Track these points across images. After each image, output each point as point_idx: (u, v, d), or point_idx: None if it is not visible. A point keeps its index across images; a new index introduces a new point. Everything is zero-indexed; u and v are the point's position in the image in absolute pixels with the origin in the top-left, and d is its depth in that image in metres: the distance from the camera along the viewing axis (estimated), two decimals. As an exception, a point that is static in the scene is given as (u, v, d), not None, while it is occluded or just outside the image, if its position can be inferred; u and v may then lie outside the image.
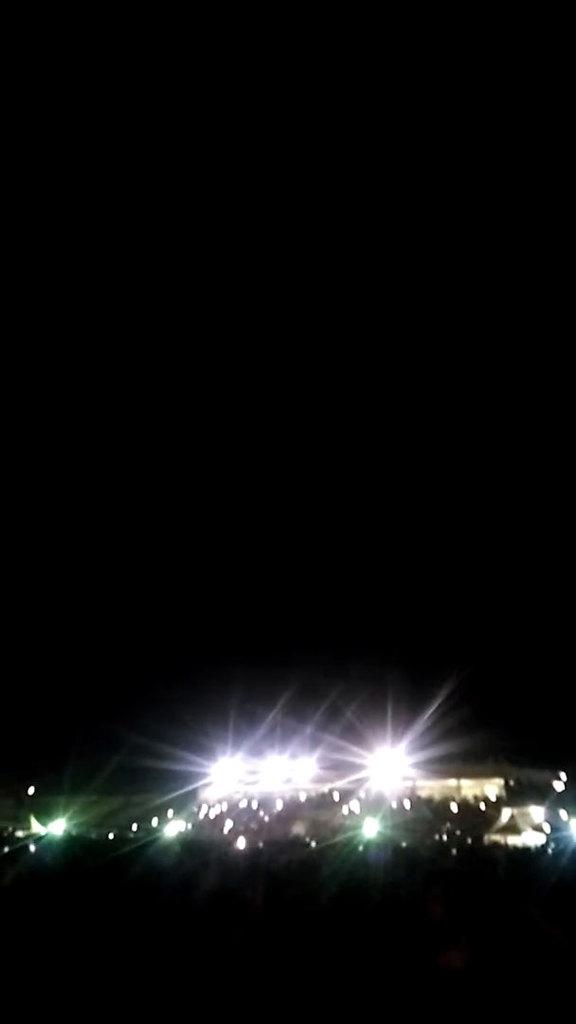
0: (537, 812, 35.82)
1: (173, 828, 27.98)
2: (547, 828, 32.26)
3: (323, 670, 39.52)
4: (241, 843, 20.79)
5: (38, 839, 25.40)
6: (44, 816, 33.86)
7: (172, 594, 47.29)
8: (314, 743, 41.96)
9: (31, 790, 36.82)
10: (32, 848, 20.33)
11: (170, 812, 36.56)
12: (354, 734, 39.04)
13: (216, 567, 49.67)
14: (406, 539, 49.89)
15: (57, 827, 27.81)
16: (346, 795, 40.57)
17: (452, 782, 40.99)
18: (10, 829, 28.94)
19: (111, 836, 25.27)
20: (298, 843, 16.22)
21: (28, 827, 31.44)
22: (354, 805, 39.12)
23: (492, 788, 39.71)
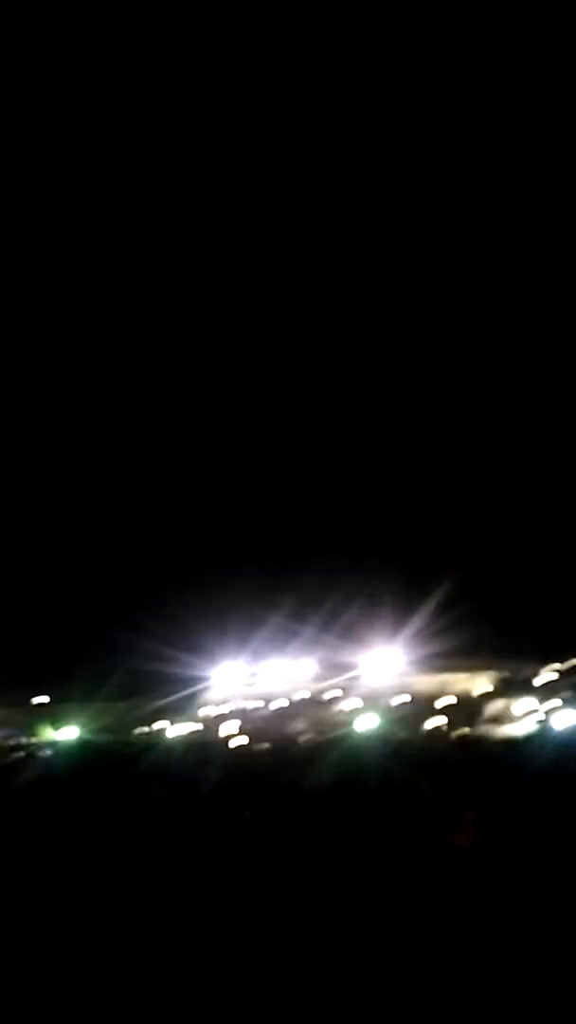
0: (527, 703, 37.24)
1: (177, 730, 29.03)
2: (535, 717, 33.71)
3: (321, 574, 40.13)
4: (243, 740, 21.64)
5: (51, 744, 26.55)
6: (55, 723, 35.09)
7: (174, 499, 47.42)
8: (313, 644, 43.00)
9: (42, 698, 37.91)
10: (46, 752, 21.32)
11: (173, 714, 37.75)
12: (352, 633, 40.02)
13: (216, 471, 49.56)
14: (401, 444, 49.81)
15: (68, 733, 28.95)
16: (344, 692, 41.85)
17: (447, 676, 42.33)
18: (22, 737, 29.94)
19: (118, 739, 26.21)
20: (298, 737, 16.97)
21: (40, 734, 32.59)
22: (351, 701, 40.45)
23: (483, 682, 41.12)
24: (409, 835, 5.93)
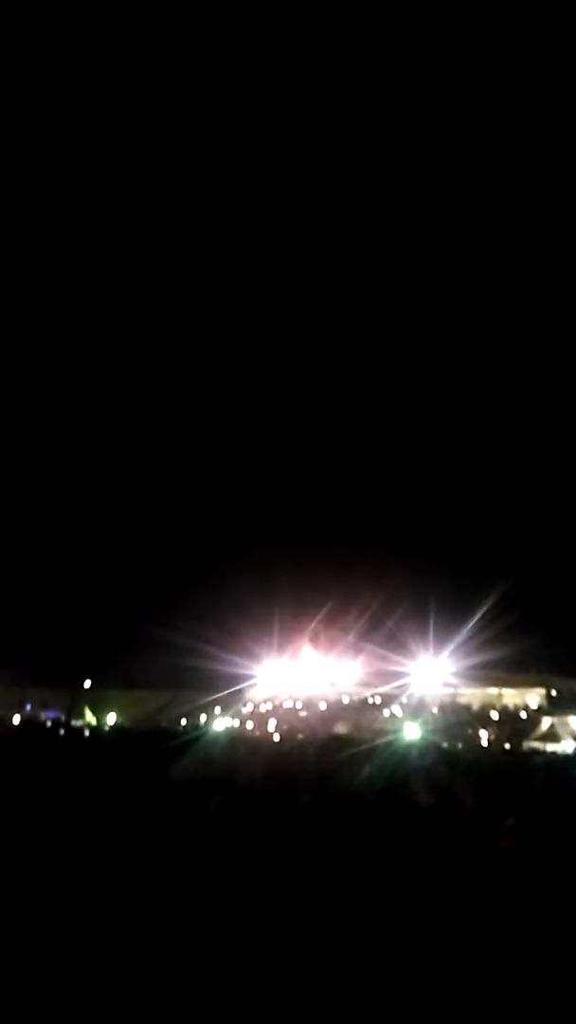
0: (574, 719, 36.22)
1: (220, 724, 29.04)
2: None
3: (367, 576, 39.77)
4: (283, 738, 21.45)
5: (91, 727, 26.86)
6: (98, 709, 35.54)
7: (221, 501, 47.61)
8: (358, 649, 42.65)
9: (86, 684, 38.41)
10: (87, 733, 21.52)
11: (217, 709, 37.86)
12: (397, 641, 39.53)
13: (263, 472, 49.59)
14: (451, 447, 49.09)
15: (110, 719, 29.21)
16: (388, 700, 41.37)
17: (493, 690, 41.49)
18: (65, 718, 30.37)
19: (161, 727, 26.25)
20: (343, 741, 16.66)
21: (83, 718, 33.02)
22: (396, 709, 39.95)
23: (533, 697, 40.17)
24: (448, 838, 5.68)
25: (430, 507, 45.55)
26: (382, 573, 38.53)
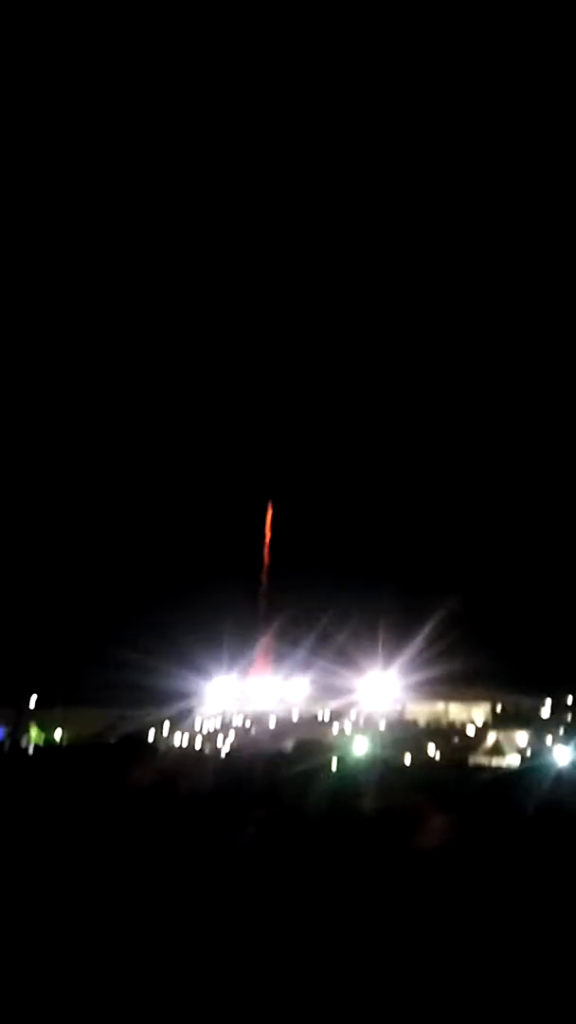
0: (521, 736, 36.92)
1: (172, 740, 28.93)
2: (529, 752, 33.38)
3: (317, 594, 40.08)
4: (234, 753, 21.45)
5: (37, 746, 26.50)
6: (44, 726, 34.97)
7: (169, 515, 47.46)
8: (307, 665, 42.82)
9: (32, 701, 37.82)
10: (31, 752, 21.23)
11: (165, 726, 37.59)
12: (346, 657, 39.87)
13: (214, 488, 49.58)
14: (397, 466, 49.76)
15: (56, 736, 28.77)
16: (337, 715, 41.59)
17: (440, 705, 42.04)
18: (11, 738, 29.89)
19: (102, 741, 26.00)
20: (291, 757, 16.74)
21: (29, 736, 32.48)
22: (345, 725, 40.16)
23: (479, 712, 40.79)
24: (388, 847, 5.88)
25: (378, 525, 46.11)
26: (331, 589, 38.93)
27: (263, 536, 47.44)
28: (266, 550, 45.63)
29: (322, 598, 39.40)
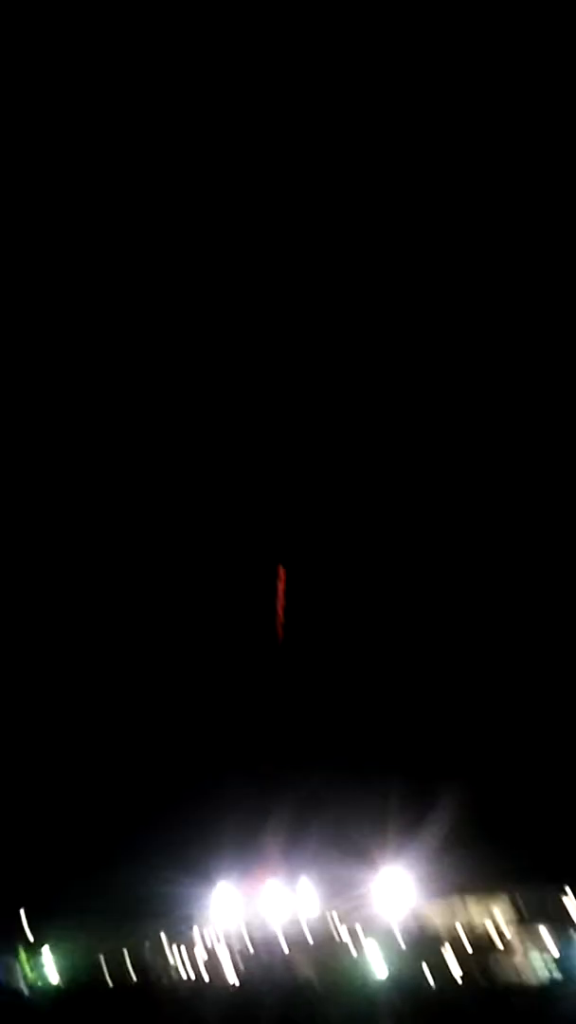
0: (545, 933, 34.72)
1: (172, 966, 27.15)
2: (555, 951, 31.29)
3: (319, 789, 38.91)
4: (245, 984, 20.30)
5: (33, 987, 24.62)
6: (33, 958, 32.43)
7: (166, 721, 46.65)
8: (312, 865, 41.08)
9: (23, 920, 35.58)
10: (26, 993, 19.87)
11: (165, 943, 35.53)
12: (354, 854, 38.25)
13: (209, 692, 48.82)
14: (400, 656, 49.30)
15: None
16: (346, 916, 39.30)
17: (456, 901, 39.84)
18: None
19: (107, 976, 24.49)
20: (306, 987, 16.02)
21: (24, 971, 30.24)
22: (355, 927, 37.95)
23: (497, 908, 38.59)
24: None
25: (383, 719, 44.91)
26: (335, 783, 37.78)
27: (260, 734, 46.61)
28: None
29: (325, 792, 38.25)
